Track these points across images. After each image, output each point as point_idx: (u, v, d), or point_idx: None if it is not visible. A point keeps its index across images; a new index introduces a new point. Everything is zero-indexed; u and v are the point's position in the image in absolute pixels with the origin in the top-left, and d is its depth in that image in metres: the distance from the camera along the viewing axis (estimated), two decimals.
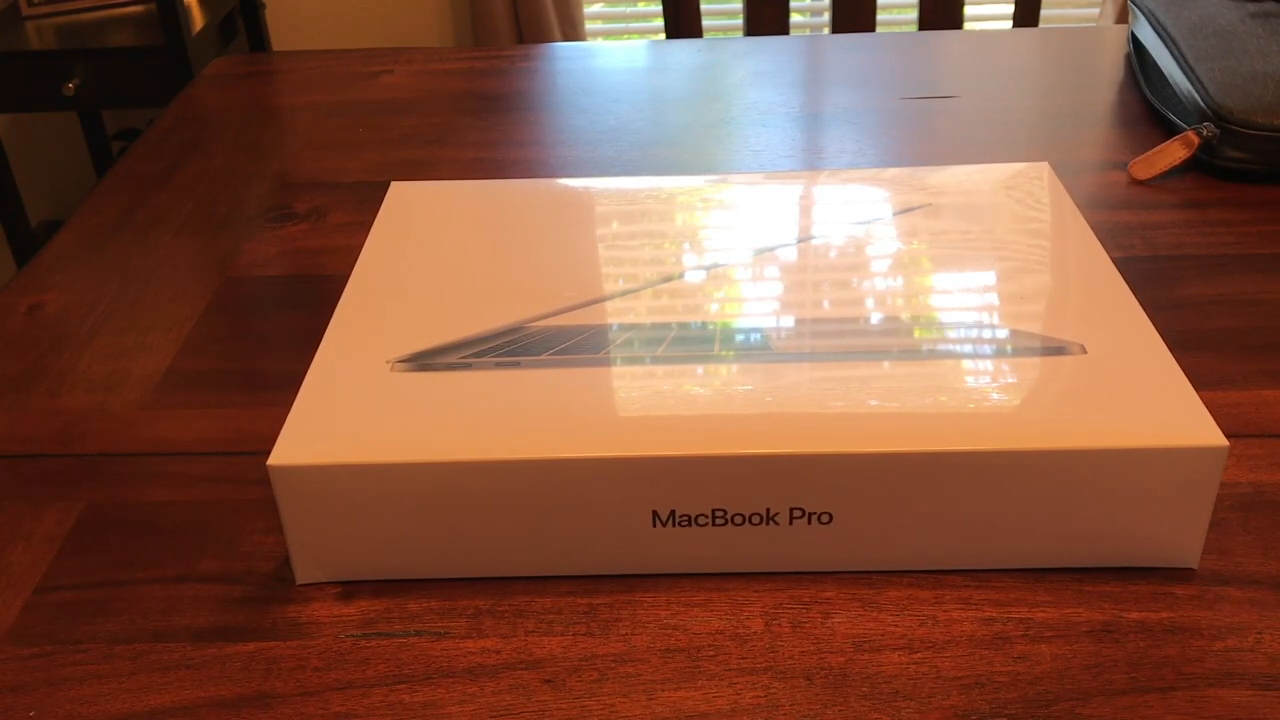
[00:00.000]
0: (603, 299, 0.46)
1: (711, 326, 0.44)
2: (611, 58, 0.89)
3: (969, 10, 2.04)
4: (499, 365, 0.42)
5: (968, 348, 0.42)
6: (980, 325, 0.44)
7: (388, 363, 0.42)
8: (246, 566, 0.42)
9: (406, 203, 0.54)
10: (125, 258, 0.62)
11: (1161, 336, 0.43)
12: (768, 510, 0.39)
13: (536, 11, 1.91)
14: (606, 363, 0.42)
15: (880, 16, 1.27)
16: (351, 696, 0.37)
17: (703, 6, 1.31)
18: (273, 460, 0.38)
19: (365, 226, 0.64)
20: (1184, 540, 0.39)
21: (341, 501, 0.39)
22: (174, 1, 1.55)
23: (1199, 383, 0.49)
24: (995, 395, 0.40)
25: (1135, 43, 0.79)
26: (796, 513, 0.39)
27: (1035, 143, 0.71)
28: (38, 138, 1.96)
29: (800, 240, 0.50)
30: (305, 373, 0.42)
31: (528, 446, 0.38)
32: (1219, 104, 0.64)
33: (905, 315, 0.45)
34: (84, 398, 0.51)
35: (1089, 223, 0.52)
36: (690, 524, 0.39)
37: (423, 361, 0.43)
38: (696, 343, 0.43)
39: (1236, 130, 0.64)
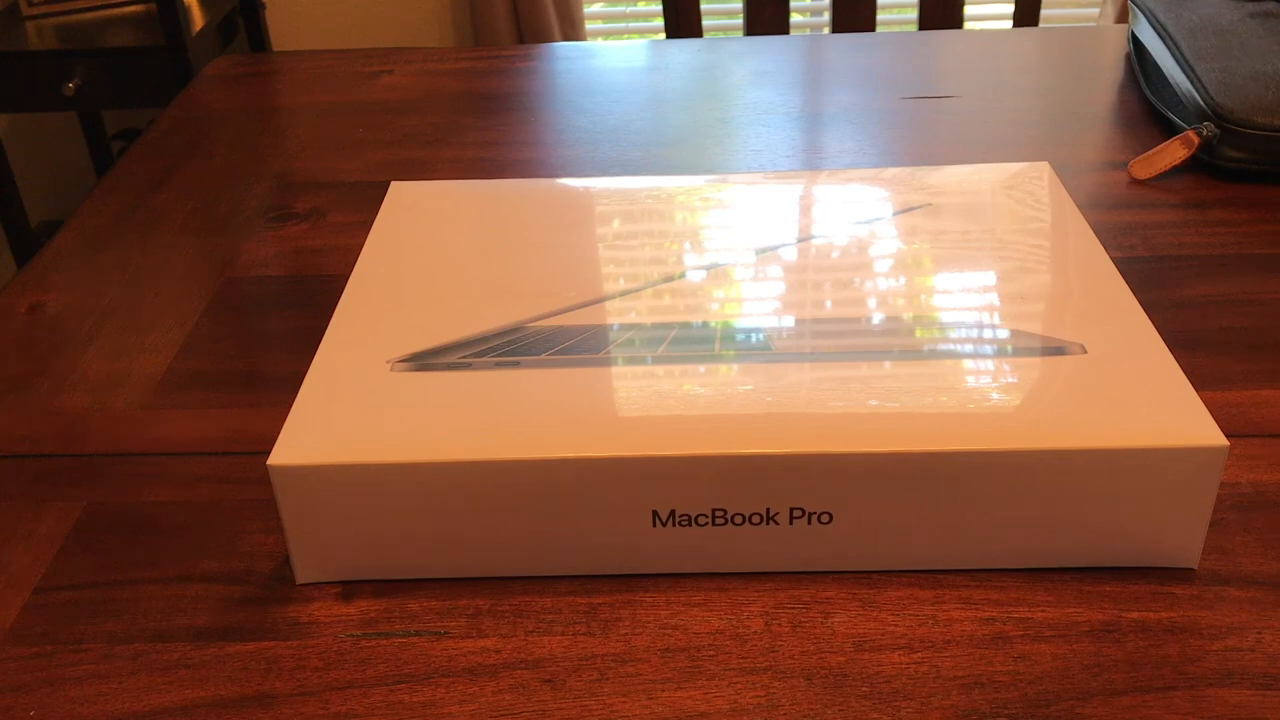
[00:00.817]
0: (603, 299, 0.46)
1: (712, 326, 0.44)
2: (611, 58, 0.89)
3: (969, 10, 2.04)
4: (499, 365, 0.42)
5: (968, 348, 0.42)
6: (980, 325, 0.44)
7: (388, 363, 0.42)
8: (246, 566, 0.42)
9: (406, 203, 0.54)
10: (125, 258, 0.62)
11: (1161, 336, 0.43)
12: (768, 510, 0.39)
13: (536, 11, 1.91)
14: (607, 362, 0.42)
15: (880, 16, 1.27)
16: (351, 696, 0.37)
17: (703, 6, 1.31)
18: (273, 460, 0.38)
19: (365, 226, 0.64)
20: (1184, 540, 0.39)
21: (341, 501, 0.39)
22: (174, 1, 1.55)
23: (1199, 383, 0.49)
24: (995, 395, 0.40)
25: (1135, 43, 0.79)
26: (796, 513, 0.39)
27: (1035, 143, 0.71)
28: (38, 138, 1.96)
29: (800, 240, 0.50)
30: (305, 373, 0.42)
31: (528, 446, 0.38)
32: (1219, 104, 0.64)
33: (905, 315, 0.45)
34: (84, 398, 0.51)
35: (1089, 223, 0.52)
36: (690, 524, 0.39)
37: (423, 361, 0.43)
38: (697, 343, 0.43)
39: (1236, 130, 0.64)
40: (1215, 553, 0.41)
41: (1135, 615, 0.38)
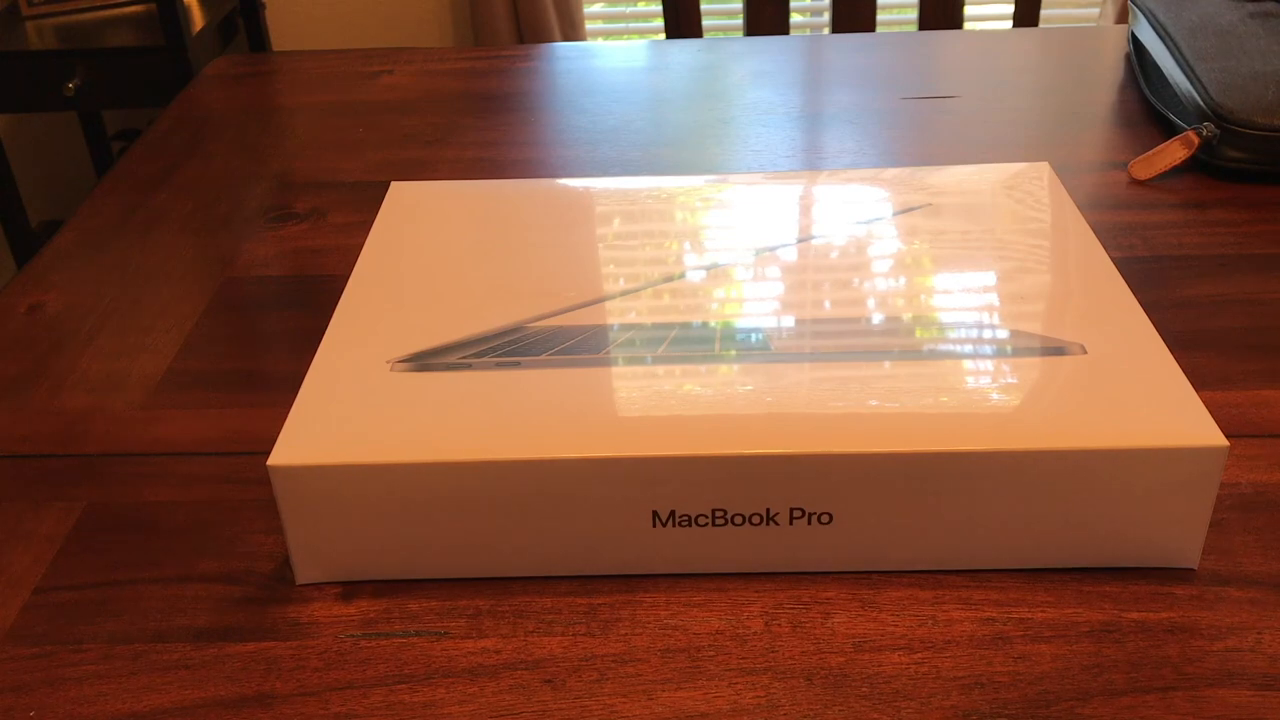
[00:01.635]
0: (603, 299, 0.46)
1: (712, 326, 0.44)
2: (611, 58, 0.89)
3: (969, 10, 2.04)
4: (499, 365, 0.42)
5: (968, 348, 0.42)
6: (980, 325, 0.44)
7: (388, 363, 0.42)
8: (246, 566, 0.42)
9: (406, 203, 0.54)
10: (125, 258, 0.62)
11: (1161, 336, 0.43)
12: (768, 510, 0.39)
13: (536, 12, 1.91)
14: (607, 363, 0.42)
15: (880, 16, 1.27)
16: (351, 696, 0.37)
17: (703, 6, 1.31)
18: (273, 460, 0.38)
19: (365, 226, 0.64)
20: (1184, 540, 0.39)
21: (341, 501, 0.39)
22: (174, 1, 1.55)
23: (1199, 383, 0.49)
24: (995, 395, 0.40)
25: (1135, 43, 0.79)
26: (796, 513, 0.39)
27: (1035, 143, 0.71)
28: (38, 138, 1.96)
29: (800, 240, 0.50)
30: (305, 373, 0.42)
31: (528, 446, 0.38)
32: (1219, 104, 0.64)
33: (905, 315, 0.45)
34: (84, 398, 0.51)
35: (1089, 223, 0.52)
36: (690, 524, 0.39)
37: (423, 361, 0.42)
38: (697, 343, 0.43)
39: (1236, 130, 0.64)
40: (1215, 553, 0.41)
41: (1135, 615, 0.38)
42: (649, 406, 0.40)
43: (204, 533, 0.43)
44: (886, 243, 0.50)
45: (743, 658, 0.37)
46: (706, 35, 1.96)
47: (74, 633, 0.39)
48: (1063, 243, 0.49)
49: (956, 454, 0.38)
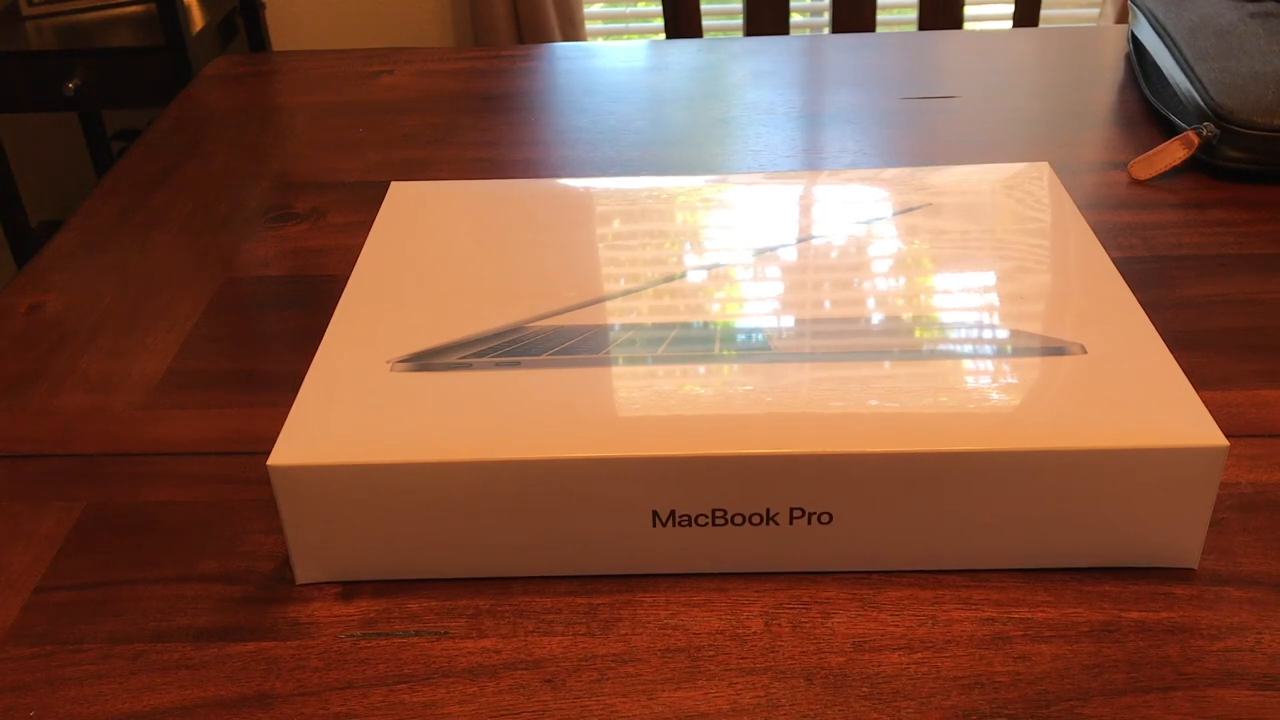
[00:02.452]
0: (603, 299, 0.46)
1: (712, 326, 0.44)
2: (611, 58, 0.89)
3: (969, 10, 2.04)
4: (499, 365, 0.42)
5: (968, 348, 0.42)
6: (980, 325, 0.44)
7: (388, 363, 0.42)
8: (246, 566, 0.42)
9: (406, 203, 0.54)
10: (125, 258, 0.62)
11: (1161, 336, 0.43)
12: (768, 510, 0.39)
13: (537, 12, 1.91)
14: (607, 363, 0.42)
15: (880, 16, 1.27)
16: (351, 696, 0.37)
17: (703, 6, 1.31)
18: (273, 460, 0.38)
19: (365, 226, 0.64)
20: (1184, 540, 0.39)
21: (341, 501, 0.39)
22: (174, 1, 1.54)
23: (1199, 383, 0.49)
24: (995, 395, 0.40)
25: (1135, 43, 0.79)
26: (796, 513, 0.39)
27: (1035, 143, 0.71)
28: (38, 138, 1.96)
29: (801, 240, 0.50)
30: (305, 373, 0.42)
31: (528, 446, 0.38)
32: (1219, 104, 0.64)
33: (905, 315, 0.45)
34: (84, 398, 0.51)
35: (1089, 223, 0.52)
36: (690, 524, 0.39)
37: (423, 361, 0.42)
38: (697, 343, 0.43)
39: (1236, 130, 0.64)
40: (1215, 553, 0.41)
41: (1135, 615, 0.38)
42: (649, 406, 0.40)
43: (204, 533, 0.43)
44: (886, 243, 0.50)
45: (743, 658, 0.37)
46: (706, 35, 1.96)
47: (74, 633, 0.39)
48: (1063, 243, 0.49)
49: (956, 454, 0.38)
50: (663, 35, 1.41)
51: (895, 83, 0.80)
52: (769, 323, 0.44)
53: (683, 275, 0.48)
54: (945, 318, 0.44)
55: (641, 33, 2.24)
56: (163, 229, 0.65)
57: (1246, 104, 0.64)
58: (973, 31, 0.95)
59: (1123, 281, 0.46)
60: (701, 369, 0.42)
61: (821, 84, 0.82)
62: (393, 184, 0.56)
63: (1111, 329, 0.43)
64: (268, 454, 0.38)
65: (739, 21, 2.12)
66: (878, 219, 0.51)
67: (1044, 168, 0.55)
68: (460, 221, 0.52)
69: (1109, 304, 0.45)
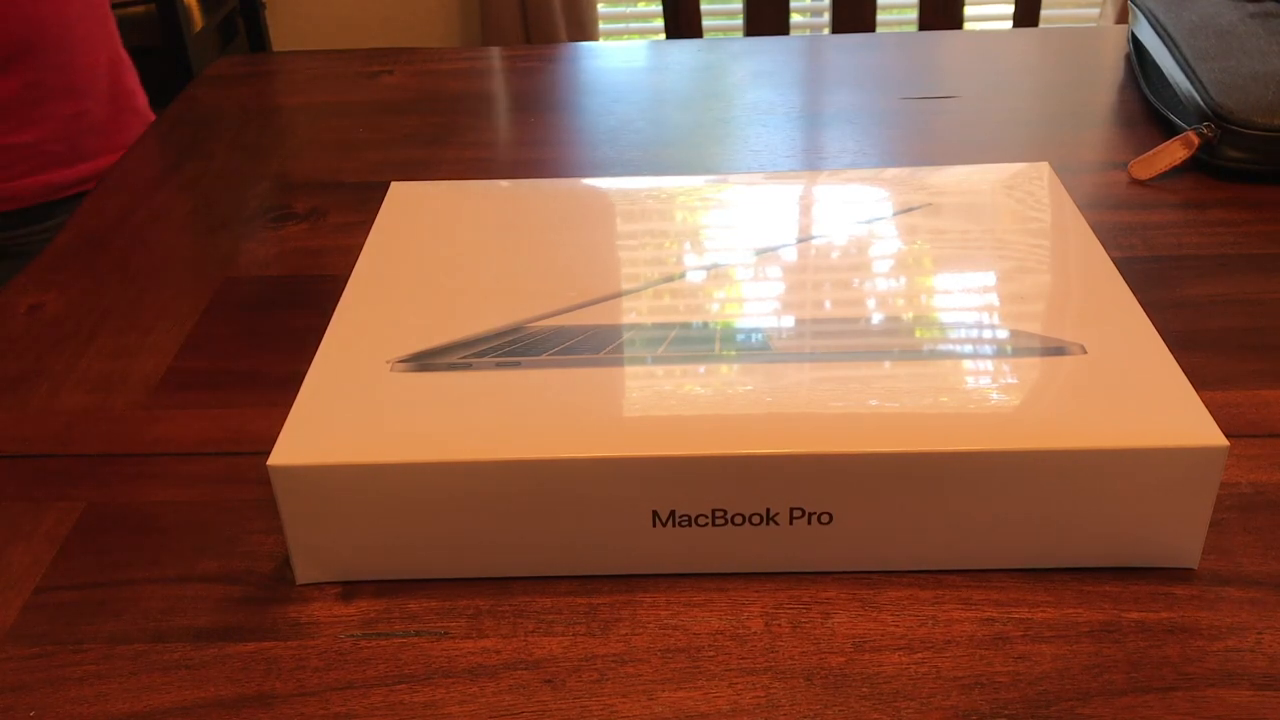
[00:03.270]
0: (603, 299, 0.46)
1: (712, 327, 0.44)
2: (611, 58, 0.89)
3: (969, 10, 2.04)
4: (499, 365, 0.42)
5: (968, 348, 0.42)
6: (980, 325, 0.44)
7: (388, 363, 0.42)
8: (246, 566, 0.42)
9: (406, 203, 0.54)
10: (125, 258, 0.62)
11: (1161, 336, 0.43)
12: (768, 510, 0.39)
13: (544, 14, 1.91)
14: (607, 363, 0.42)
15: (880, 16, 1.27)
16: (351, 696, 0.37)
17: (703, 6, 1.31)
18: (273, 460, 0.38)
19: (365, 226, 0.64)
20: (1184, 540, 0.39)
21: (341, 501, 0.39)
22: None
23: (1199, 383, 0.49)
24: (995, 395, 0.40)
25: (1135, 43, 0.79)
26: (796, 513, 0.39)
27: (1035, 143, 0.71)
28: None
29: (801, 240, 0.50)
30: (305, 373, 0.42)
31: (528, 446, 0.38)
32: (1219, 104, 0.64)
33: (905, 315, 0.45)
34: (84, 398, 0.51)
35: (1089, 223, 0.52)
36: (690, 524, 0.39)
37: (423, 361, 0.43)
38: (697, 343, 0.43)
39: (1236, 130, 0.64)
40: (1215, 553, 0.41)
41: (1135, 615, 0.38)
42: (649, 406, 0.40)
43: (204, 533, 0.43)
44: (887, 243, 0.50)
45: (743, 658, 0.37)
46: (706, 35, 1.96)
47: (74, 633, 0.39)
48: (1063, 243, 0.49)
49: (956, 454, 0.38)
50: (663, 35, 1.41)
51: (895, 83, 0.80)
52: (769, 323, 0.44)
53: (683, 275, 0.48)
54: (945, 318, 0.44)
55: (641, 33, 2.25)
56: (163, 229, 0.65)
57: (1246, 104, 0.64)
58: (973, 31, 0.95)
59: (1123, 281, 0.46)
60: (701, 369, 0.42)
61: (821, 84, 0.82)
62: (393, 184, 0.56)
63: (1111, 329, 0.43)
64: (268, 454, 0.38)
65: (739, 21, 2.12)
66: (878, 219, 0.51)
67: (1044, 168, 0.55)
68: (460, 221, 0.52)
69: (1109, 304, 0.45)
